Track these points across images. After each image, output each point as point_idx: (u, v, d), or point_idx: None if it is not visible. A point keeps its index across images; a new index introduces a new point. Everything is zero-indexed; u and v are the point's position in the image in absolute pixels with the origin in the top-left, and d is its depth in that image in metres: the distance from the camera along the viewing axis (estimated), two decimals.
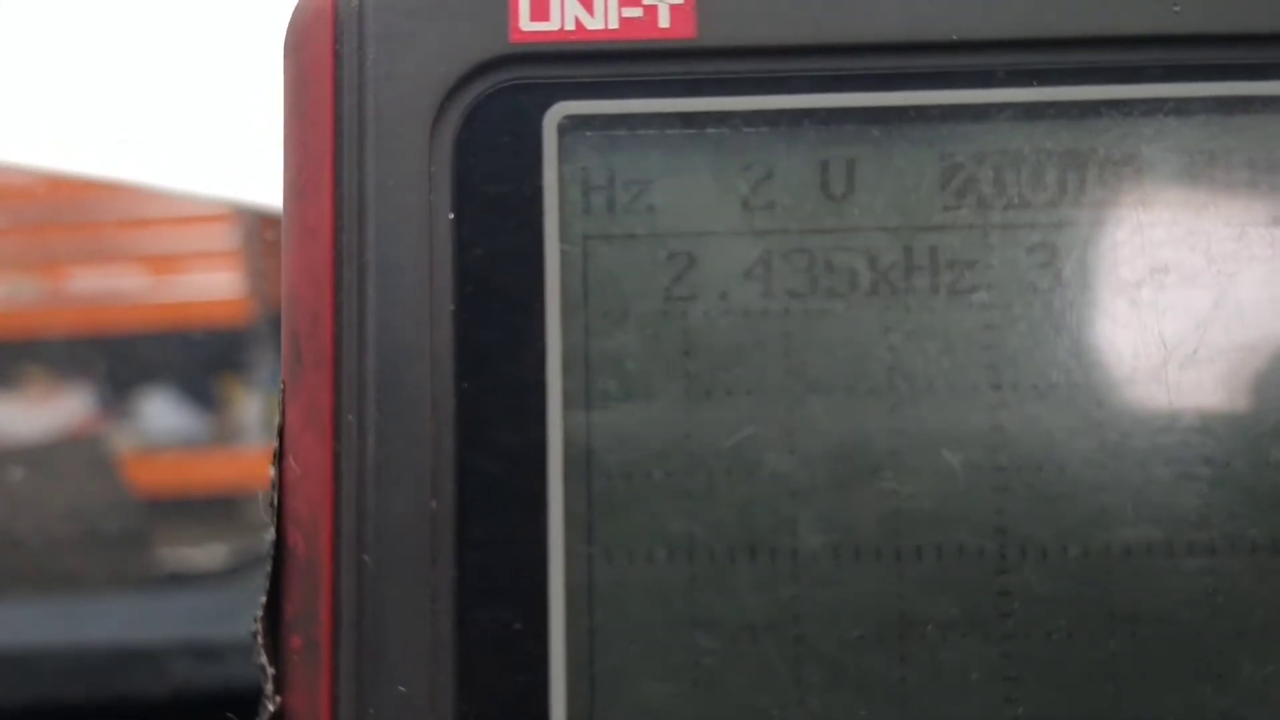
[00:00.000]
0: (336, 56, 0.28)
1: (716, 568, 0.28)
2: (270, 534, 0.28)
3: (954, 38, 0.28)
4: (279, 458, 0.28)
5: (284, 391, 0.28)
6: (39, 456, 1.09)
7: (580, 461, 0.28)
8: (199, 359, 2.13)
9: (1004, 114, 0.28)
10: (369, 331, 0.28)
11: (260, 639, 0.28)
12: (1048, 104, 0.28)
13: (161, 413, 2.12)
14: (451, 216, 0.28)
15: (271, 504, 0.28)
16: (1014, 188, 0.28)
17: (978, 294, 0.28)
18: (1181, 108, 0.28)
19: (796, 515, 0.28)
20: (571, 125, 0.28)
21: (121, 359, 2.23)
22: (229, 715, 0.28)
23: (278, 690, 0.28)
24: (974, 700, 0.27)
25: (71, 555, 0.94)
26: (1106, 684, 0.27)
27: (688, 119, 0.28)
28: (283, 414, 0.28)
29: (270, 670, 0.28)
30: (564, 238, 0.28)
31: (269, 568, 0.28)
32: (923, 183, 0.28)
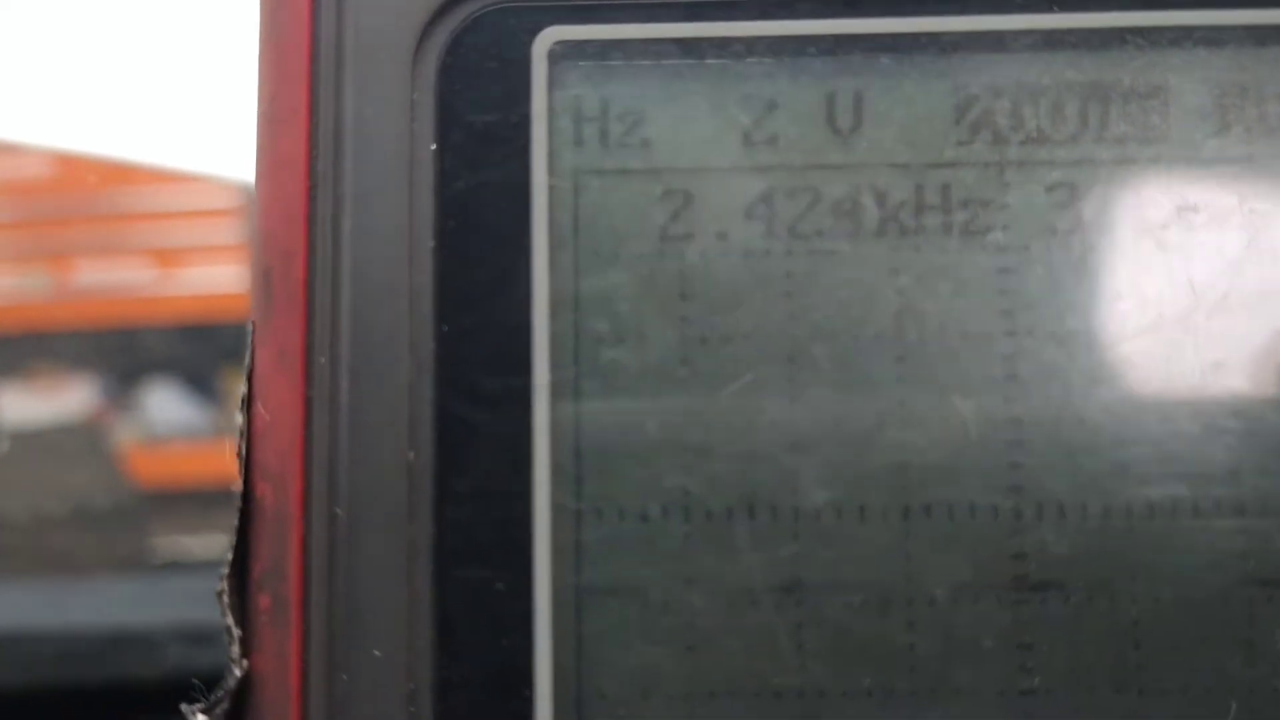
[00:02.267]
0: None
1: (713, 526, 0.26)
2: (237, 485, 0.26)
3: None
4: (247, 404, 0.27)
5: (253, 333, 0.26)
6: (37, 441, 1.07)
7: (568, 411, 0.26)
8: (203, 352, 2.12)
9: (1022, 42, 0.27)
10: (344, 269, 0.26)
11: (225, 598, 0.26)
12: (1068, 31, 0.26)
13: (165, 405, 2.12)
14: (434, 147, 0.26)
15: (239, 453, 0.27)
16: (1032, 122, 0.27)
17: (993, 235, 0.26)
18: (1211, 36, 0.26)
19: (798, 470, 0.26)
20: (562, 52, 0.27)
21: (126, 352, 2.23)
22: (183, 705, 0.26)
23: (244, 653, 0.26)
24: (986, 668, 0.25)
25: (66, 539, 0.92)
26: (1128, 652, 0.25)
27: (686, 46, 0.27)
28: (252, 357, 0.26)
29: (236, 631, 0.26)
30: (553, 171, 0.26)
31: (235, 521, 0.26)
32: (935, 116, 0.27)
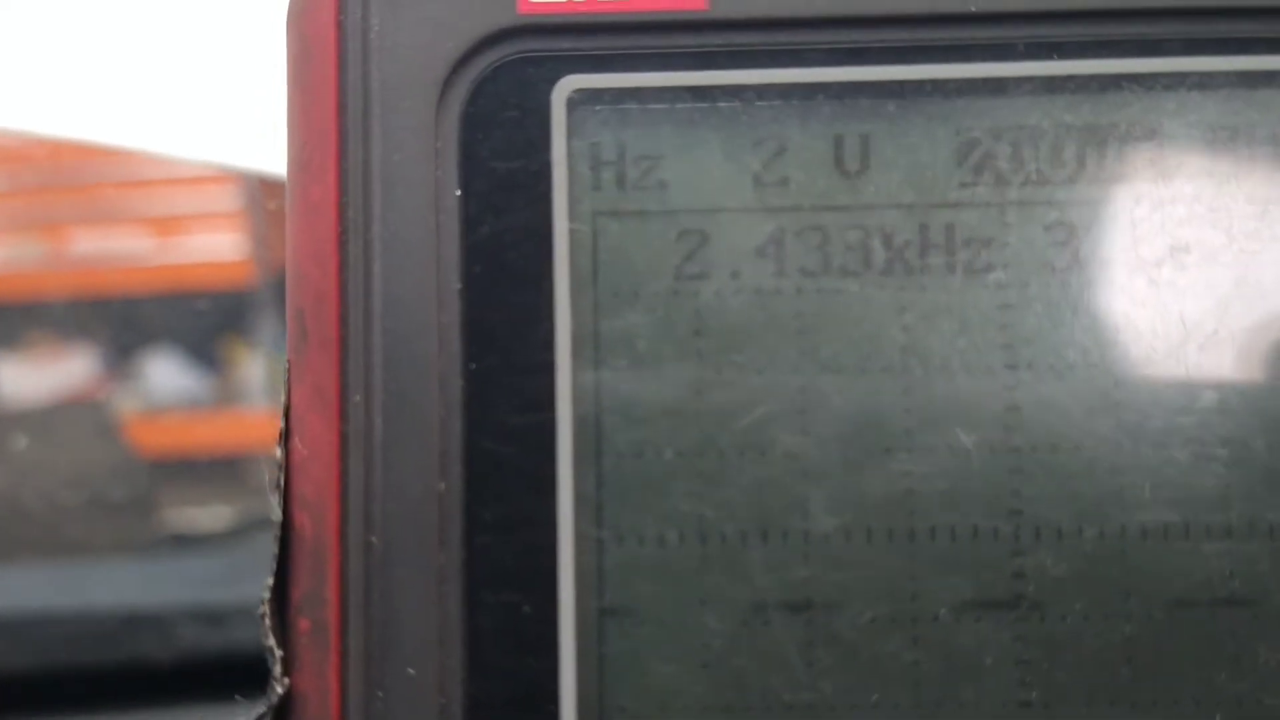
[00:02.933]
0: (340, 28, 0.28)
1: (728, 549, 0.27)
2: (277, 515, 0.28)
3: (971, 9, 0.28)
4: (285, 438, 0.28)
5: (289, 371, 0.28)
6: (42, 420, 1.09)
7: (590, 443, 0.27)
8: (202, 321, 2.12)
9: (1022, 88, 0.28)
10: (375, 311, 0.27)
11: (267, 620, 0.28)
12: (1067, 78, 0.28)
13: (165, 374, 2.12)
14: (458, 193, 0.28)
15: (278, 485, 0.28)
16: (1032, 164, 0.28)
17: (994, 273, 0.28)
18: (1204, 82, 0.28)
19: (809, 496, 0.27)
20: (581, 99, 0.28)
21: (124, 321, 2.23)
22: (237, 697, 0.28)
23: (285, 672, 0.27)
24: (987, 684, 0.27)
25: (76, 520, 0.94)
26: (1122, 668, 0.27)
27: (699, 93, 0.28)
28: (288, 394, 0.28)
29: (278, 652, 0.27)
30: (573, 215, 0.28)
31: (275, 549, 0.28)
32: (939, 159, 0.28)
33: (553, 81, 0.28)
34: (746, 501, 0.27)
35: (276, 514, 0.28)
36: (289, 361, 0.28)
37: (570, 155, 0.28)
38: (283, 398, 0.28)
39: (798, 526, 0.27)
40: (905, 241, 0.28)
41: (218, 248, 2.22)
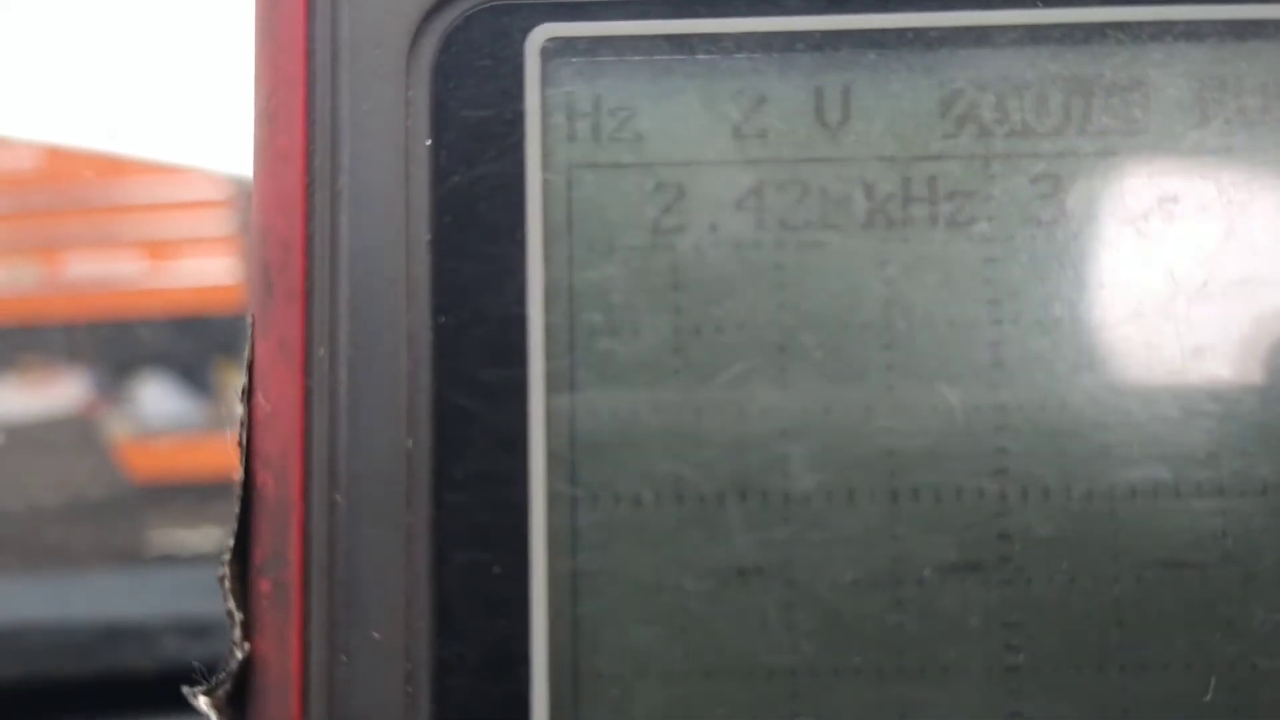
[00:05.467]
0: None
1: (705, 510, 0.27)
2: (238, 473, 0.27)
3: None
4: (248, 394, 0.27)
5: (253, 325, 0.27)
6: (31, 434, 1.08)
7: (563, 400, 0.27)
8: (195, 344, 2.12)
9: (1006, 37, 0.27)
10: (342, 262, 0.27)
11: (227, 583, 0.27)
12: (1052, 26, 0.27)
13: (158, 398, 2.11)
14: (429, 143, 0.27)
15: (240, 442, 0.27)
16: (1017, 115, 0.27)
17: (978, 225, 0.27)
18: (1191, 31, 0.27)
19: (788, 455, 0.27)
20: (555, 48, 0.27)
21: (118, 344, 2.23)
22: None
23: (246, 636, 0.27)
24: (972, 646, 0.26)
25: (61, 532, 0.93)
26: (1110, 630, 0.26)
27: (676, 42, 0.27)
28: (252, 349, 0.27)
29: (238, 615, 0.27)
30: (547, 166, 0.27)
31: (237, 509, 0.27)
32: (921, 110, 0.27)
33: (526, 30, 0.27)
34: (724, 460, 0.27)
35: (238, 472, 0.27)
36: (252, 315, 0.27)
37: (544, 105, 0.27)
38: (246, 352, 0.27)
39: (777, 486, 0.27)
40: (887, 194, 0.27)
41: (212, 272, 2.21)
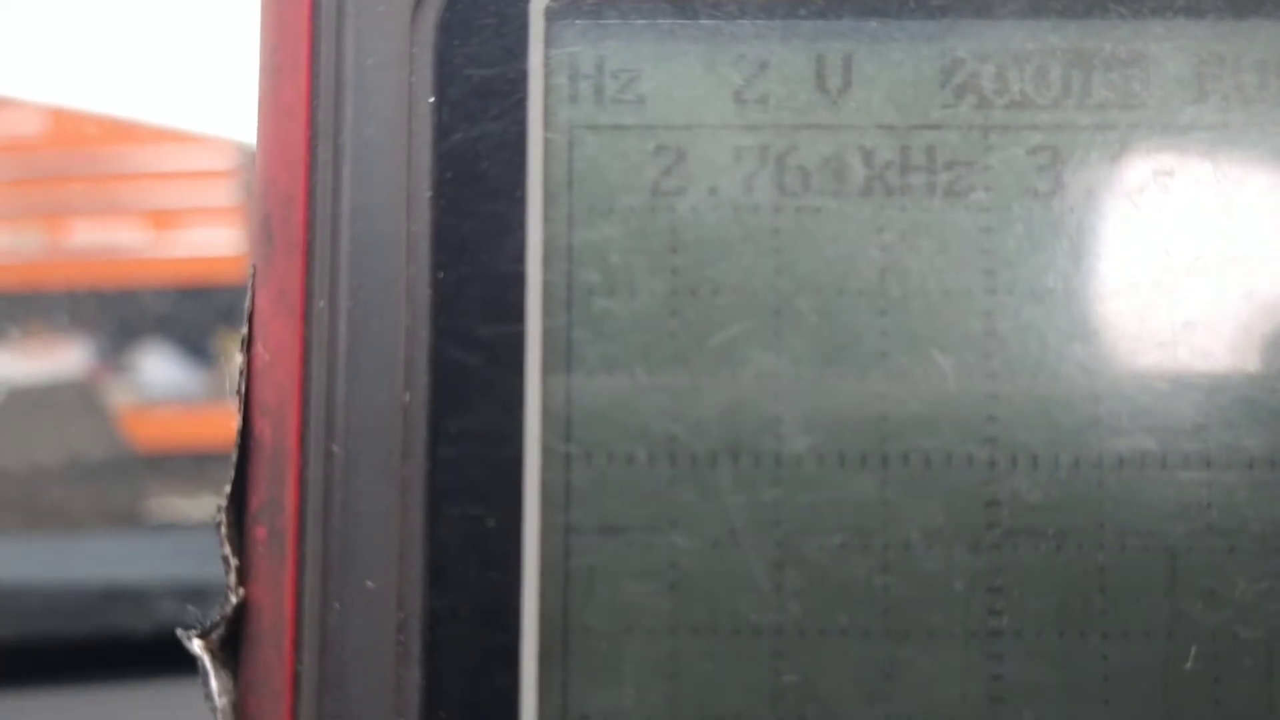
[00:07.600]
0: None
1: (698, 469, 0.27)
2: (237, 421, 0.27)
3: None
4: (248, 343, 0.27)
5: (254, 275, 0.27)
6: (33, 397, 1.08)
7: (560, 357, 0.27)
8: (198, 315, 2.12)
9: (1008, 8, 0.27)
10: (343, 215, 0.27)
11: (224, 529, 0.27)
12: None
13: (159, 368, 2.12)
14: (432, 100, 0.27)
15: (239, 390, 0.27)
16: (1016, 86, 0.27)
17: (975, 195, 0.27)
18: (1192, 7, 0.27)
19: (781, 417, 0.27)
20: (558, 10, 0.27)
21: (120, 313, 2.23)
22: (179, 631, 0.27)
23: (240, 582, 0.27)
24: (957, 610, 0.26)
25: (61, 494, 0.93)
26: (1094, 596, 0.26)
27: (680, 6, 0.27)
28: (252, 298, 0.27)
29: (234, 561, 0.27)
30: (549, 125, 0.27)
31: (234, 456, 0.27)
32: (921, 79, 0.27)
33: None
34: (718, 421, 0.27)
35: (237, 420, 0.27)
36: (253, 265, 0.27)
37: (547, 65, 0.27)
38: (246, 302, 0.27)
39: (769, 448, 0.27)
40: (886, 162, 0.27)
41: (216, 242, 2.21)
